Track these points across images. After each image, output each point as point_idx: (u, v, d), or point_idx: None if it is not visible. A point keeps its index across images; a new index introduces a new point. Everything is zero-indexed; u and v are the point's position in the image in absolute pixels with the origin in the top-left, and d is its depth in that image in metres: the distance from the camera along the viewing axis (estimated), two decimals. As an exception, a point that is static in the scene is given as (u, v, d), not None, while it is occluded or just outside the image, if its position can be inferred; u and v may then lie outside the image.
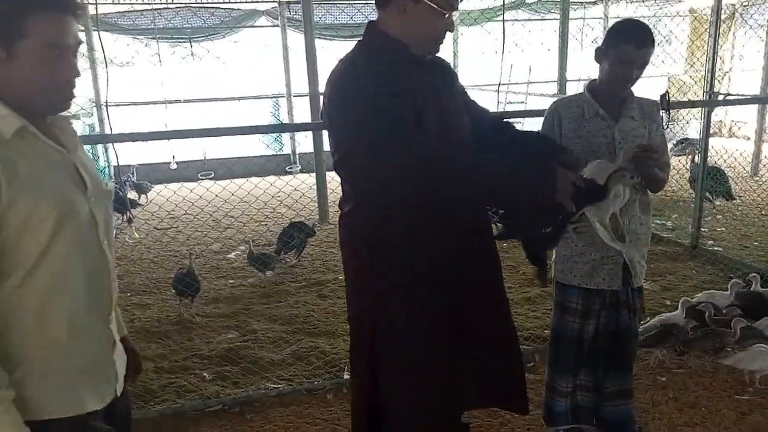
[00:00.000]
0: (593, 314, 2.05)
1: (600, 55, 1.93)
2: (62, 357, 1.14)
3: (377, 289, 1.62)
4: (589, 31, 9.99)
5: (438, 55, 1.63)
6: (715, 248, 4.64)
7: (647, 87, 2.11)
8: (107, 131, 8.31)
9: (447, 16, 1.48)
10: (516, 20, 9.80)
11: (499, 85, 4.78)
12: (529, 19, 9.72)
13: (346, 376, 2.84)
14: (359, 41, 1.56)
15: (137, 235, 5.58)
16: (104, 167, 8.44)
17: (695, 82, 7.93)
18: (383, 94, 1.41)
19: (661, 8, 9.47)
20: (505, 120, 1.91)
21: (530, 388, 2.09)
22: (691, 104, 3.12)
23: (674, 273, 4.15)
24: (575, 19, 9.78)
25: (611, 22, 10.03)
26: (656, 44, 1.89)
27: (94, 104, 8.33)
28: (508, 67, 10.02)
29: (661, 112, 2.10)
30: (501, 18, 9.34)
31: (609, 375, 2.13)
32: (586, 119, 1.96)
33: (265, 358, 3.13)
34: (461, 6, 8.91)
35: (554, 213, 1.55)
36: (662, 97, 2.81)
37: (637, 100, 1.99)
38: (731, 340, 2.69)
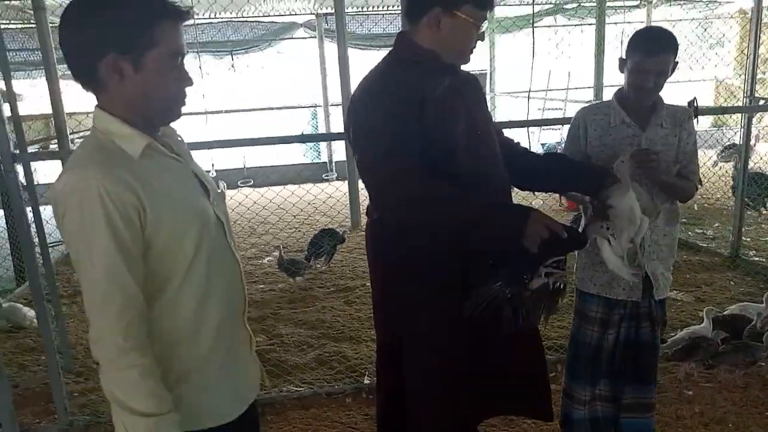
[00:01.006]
0: (613, 324, 2.02)
1: (621, 64, 1.91)
2: (213, 367, 1.14)
3: (403, 294, 1.64)
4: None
5: (466, 68, 1.65)
6: (757, 259, 4.44)
7: (694, 91, 2.06)
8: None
9: (479, 27, 1.49)
10: (552, 26, 9.70)
11: (529, 92, 4.71)
12: (566, 25, 9.57)
13: (367, 381, 2.88)
14: (391, 51, 1.57)
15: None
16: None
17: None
18: (410, 116, 1.43)
19: (712, 10, 9.16)
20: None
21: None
22: (722, 110, 3.02)
23: (711, 284, 4.01)
24: (615, 23, 9.60)
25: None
26: (677, 50, 1.83)
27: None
28: (546, 73, 9.92)
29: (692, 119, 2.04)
30: (539, 24, 9.26)
31: (629, 387, 2.09)
32: (611, 127, 1.93)
33: (289, 362, 3.20)
34: (499, 13, 8.96)
35: (525, 261, 1.45)
36: (690, 103, 2.75)
37: (667, 107, 1.94)
38: (764, 354, 2.58)
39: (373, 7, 8.21)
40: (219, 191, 1.23)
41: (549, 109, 9.88)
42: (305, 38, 9.30)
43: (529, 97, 4.70)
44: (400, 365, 1.68)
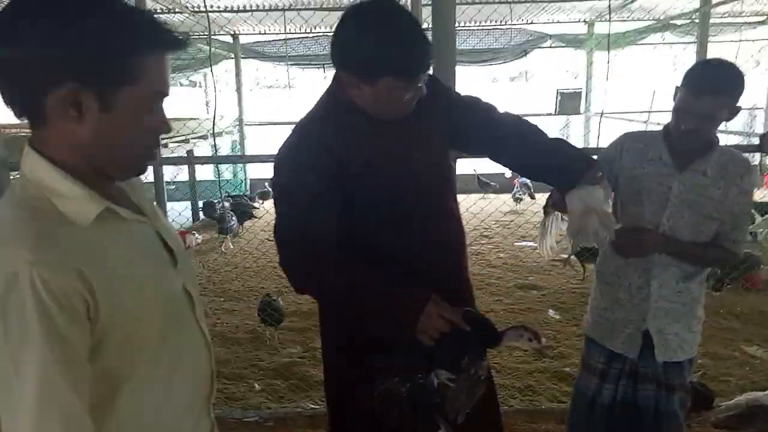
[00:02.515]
0: (611, 378, 1.82)
1: (675, 93, 1.65)
2: None
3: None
4: (753, 54, 8.84)
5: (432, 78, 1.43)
6: None
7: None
8: (246, 149, 9.24)
9: (411, 88, 1.30)
10: (660, 43, 9.03)
11: (602, 114, 4.45)
12: (675, 42, 8.86)
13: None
14: (325, 92, 1.42)
15: (231, 246, 6.09)
16: (242, 182, 9.35)
17: None
18: (322, 183, 1.31)
19: None
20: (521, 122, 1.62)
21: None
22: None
23: (802, 340, 3.48)
24: (739, 41, 8.73)
25: (780, 44, 8.82)
26: (736, 94, 1.54)
27: (237, 123, 9.28)
28: (651, 93, 9.25)
29: (755, 172, 1.75)
30: (643, 42, 8.67)
31: None
32: (647, 160, 1.69)
33: (314, 377, 3.20)
34: (598, 29, 8.50)
35: (421, 355, 1.28)
36: (763, 138, 2.41)
37: (722, 153, 1.65)
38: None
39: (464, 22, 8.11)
40: (194, 244, 1.07)
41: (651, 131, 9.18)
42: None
43: (602, 118, 4.43)
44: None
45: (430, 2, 2.20)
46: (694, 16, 7.77)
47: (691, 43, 8.50)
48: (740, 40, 8.15)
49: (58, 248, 0.75)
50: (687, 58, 8.59)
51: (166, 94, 0.86)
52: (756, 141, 2.37)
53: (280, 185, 1.39)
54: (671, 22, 8.04)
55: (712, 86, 1.53)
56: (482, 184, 8.10)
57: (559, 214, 1.66)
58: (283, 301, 4.14)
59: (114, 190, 0.89)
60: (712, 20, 7.81)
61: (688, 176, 1.65)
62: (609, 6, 4.58)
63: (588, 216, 1.47)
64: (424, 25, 1.71)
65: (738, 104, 1.58)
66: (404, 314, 1.24)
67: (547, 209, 1.70)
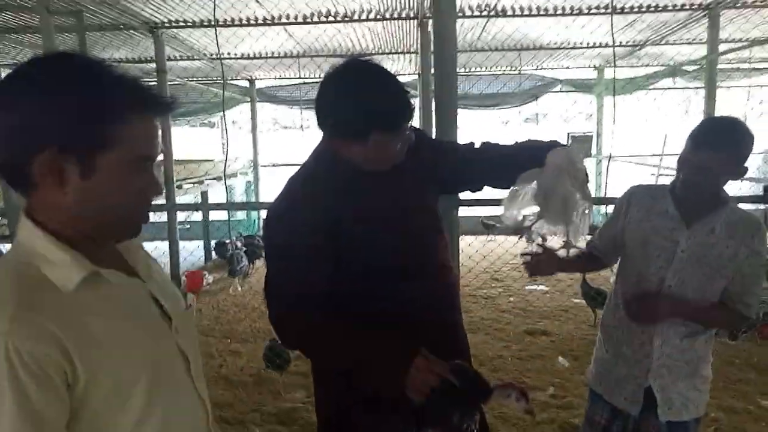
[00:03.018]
0: None
1: None
2: None
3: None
4: (763, 99, 8.87)
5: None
6: None
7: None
8: (260, 190, 9.38)
9: (399, 141, 1.33)
10: (671, 88, 9.10)
11: (610, 158, 4.48)
12: (685, 87, 8.93)
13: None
14: (318, 147, 1.44)
15: (240, 288, 6.10)
16: (254, 221, 9.45)
17: None
18: (317, 245, 1.32)
19: None
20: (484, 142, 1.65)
21: None
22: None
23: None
24: (749, 86, 8.77)
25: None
26: (736, 150, 1.53)
27: (252, 165, 9.46)
28: (662, 137, 9.27)
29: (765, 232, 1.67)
30: (649, 87, 8.75)
31: None
32: (654, 213, 1.69)
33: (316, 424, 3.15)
34: (608, 74, 8.61)
35: (407, 412, 1.25)
36: (767, 189, 2.40)
37: (731, 211, 1.62)
38: None
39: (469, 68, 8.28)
40: (189, 307, 1.03)
41: (663, 174, 9.16)
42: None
43: (609, 161, 4.46)
44: None
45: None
46: (702, 62, 7.88)
47: (701, 87, 8.57)
48: (750, 86, 8.19)
49: (37, 316, 0.74)
50: (698, 102, 8.67)
51: (153, 157, 0.86)
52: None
53: (272, 242, 1.39)
54: (680, 68, 8.14)
55: (712, 141, 1.54)
56: (487, 227, 8.10)
57: (533, 187, 1.53)
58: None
59: (106, 253, 0.88)
60: (721, 66, 7.91)
61: (696, 233, 1.61)
62: (614, 52, 4.63)
63: (560, 175, 1.41)
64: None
65: (744, 165, 1.56)
66: (392, 369, 1.23)
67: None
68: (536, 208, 1.51)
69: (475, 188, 1.69)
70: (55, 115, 0.76)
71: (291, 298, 1.33)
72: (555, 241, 1.64)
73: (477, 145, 1.61)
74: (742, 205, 1.73)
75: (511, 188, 1.51)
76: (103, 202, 0.81)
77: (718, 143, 1.53)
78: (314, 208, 1.33)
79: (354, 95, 1.27)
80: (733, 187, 1.73)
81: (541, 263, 1.69)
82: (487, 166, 1.58)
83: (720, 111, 5.82)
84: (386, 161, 1.37)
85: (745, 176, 1.63)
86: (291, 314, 1.35)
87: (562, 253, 1.69)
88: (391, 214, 1.40)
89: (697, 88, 8.49)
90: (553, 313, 5.00)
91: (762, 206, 2.31)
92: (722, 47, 5.89)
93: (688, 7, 5.03)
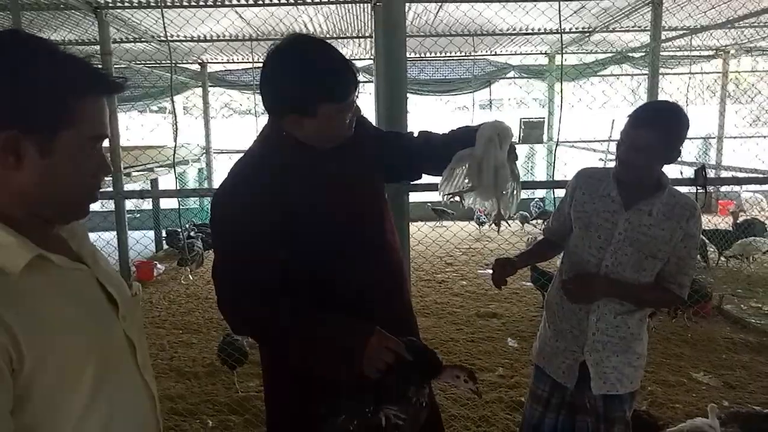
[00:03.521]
0: (553, 408, 1.86)
1: None
2: None
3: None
4: (703, 87, 9.24)
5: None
6: (812, 343, 3.93)
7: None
8: (214, 178, 9.19)
9: (349, 110, 1.34)
10: (619, 75, 9.37)
11: (557, 143, 4.60)
12: (634, 74, 9.21)
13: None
14: (263, 130, 1.43)
15: (191, 278, 6.00)
16: (207, 210, 9.26)
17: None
18: (267, 224, 1.31)
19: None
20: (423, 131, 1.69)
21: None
22: (736, 181, 2.70)
23: (749, 368, 3.57)
24: (689, 74, 9.12)
25: (730, 77, 9.25)
26: (670, 131, 1.60)
27: (204, 152, 9.24)
28: (610, 122, 9.55)
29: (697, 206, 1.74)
30: (599, 74, 8.98)
31: None
32: (598, 196, 1.75)
33: (269, 412, 3.15)
34: (558, 60, 8.78)
35: (369, 389, 1.26)
36: (698, 172, 2.51)
37: (669, 195, 1.70)
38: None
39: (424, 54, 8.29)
40: (134, 295, 1.02)
41: (611, 159, 9.46)
42: (363, 82, 9.53)
43: (557, 146, 4.58)
44: None
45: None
46: (646, 50, 8.14)
47: (647, 75, 8.86)
48: (691, 73, 8.52)
49: None
50: (645, 89, 8.96)
51: (105, 136, 0.87)
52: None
53: (220, 226, 1.38)
54: (628, 54, 8.38)
55: (648, 120, 1.61)
56: (438, 213, 8.20)
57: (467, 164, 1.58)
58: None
59: (53, 239, 0.87)
60: (666, 53, 8.19)
61: (634, 215, 1.69)
62: (561, 39, 4.73)
63: (490, 146, 1.47)
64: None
65: (679, 148, 1.63)
66: (348, 348, 1.25)
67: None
68: (469, 185, 1.56)
69: (415, 177, 1.71)
70: (13, 97, 0.76)
71: (239, 282, 1.32)
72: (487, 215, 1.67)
73: (416, 135, 1.64)
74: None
75: (448, 167, 1.55)
76: (58, 181, 0.81)
77: (654, 122, 1.60)
78: (262, 191, 1.32)
79: (300, 69, 1.26)
80: (674, 171, 1.81)
81: (499, 273, 1.78)
82: (426, 154, 1.61)
83: (663, 97, 6.03)
84: (336, 135, 1.37)
85: (678, 160, 1.70)
86: (239, 299, 1.33)
87: (493, 227, 1.77)
88: (337, 196, 1.40)
89: (645, 74, 8.76)
90: (503, 296, 5.12)
91: (695, 189, 2.40)
92: (666, 34, 6.09)
93: (632, -5, 5.18)
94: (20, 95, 0.76)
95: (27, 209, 0.81)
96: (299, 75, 1.26)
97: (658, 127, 1.59)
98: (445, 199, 1.62)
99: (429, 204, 8.19)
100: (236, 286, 1.34)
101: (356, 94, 1.34)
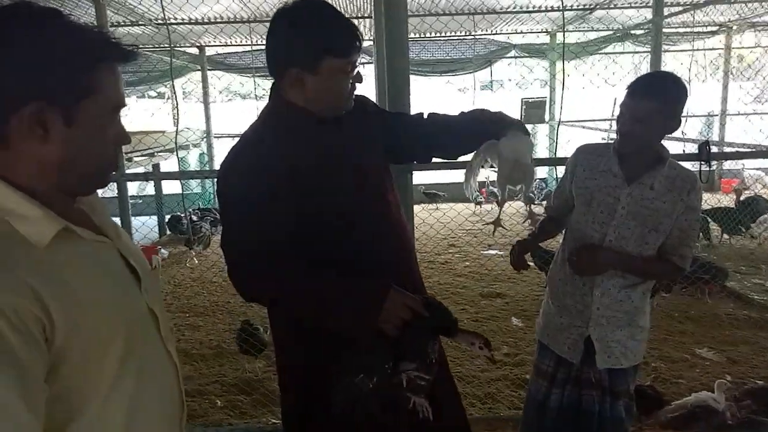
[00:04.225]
0: (558, 383, 1.87)
1: None
2: None
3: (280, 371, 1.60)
4: (706, 63, 9.15)
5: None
6: (814, 317, 3.96)
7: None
8: (215, 162, 9.17)
9: (350, 72, 1.35)
10: (621, 53, 9.29)
11: (559, 123, 4.58)
12: (635, 52, 9.13)
13: None
14: (265, 107, 1.45)
15: (196, 261, 6.03)
16: (210, 194, 9.28)
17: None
18: (272, 190, 1.31)
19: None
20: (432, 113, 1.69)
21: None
22: (739, 155, 2.71)
23: (751, 343, 3.60)
24: (692, 50, 9.03)
25: (733, 53, 9.16)
26: (670, 102, 1.60)
27: (205, 136, 9.21)
28: (612, 100, 9.49)
29: (699, 179, 1.76)
30: (601, 51, 8.90)
31: None
32: (599, 171, 1.75)
33: (277, 391, 3.18)
34: (560, 39, 8.70)
35: (387, 346, 1.26)
36: (701, 147, 2.51)
37: (670, 167, 1.70)
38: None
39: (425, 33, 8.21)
40: (155, 267, 1.05)
41: (613, 138, 9.42)
42: (364, 63, 9.47)
43: (559, 126, 4.56)
44: None
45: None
46: (649, 26, 8.05)
47: (649, 52, 8.77)
48: (694, 50, 8.43)
49: (13, 270, 0.74)
50: (646, 66, 8.89)
51: (123, 105, 0.88)
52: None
53: (230, 193, 1.37)
54: (630, 32, 8.30)
55: (647, 89, 1.61)
56: (430, 196, 8.20)
57: (486, 158, 1.63)
58: (250, 312, 4.13)
59: (75, 212, 0.89)
60: (668, 30, 8.10)
61: (636, 189, 1.69)
62: (563, 16, 4.68)
63: (517, 167, 1.51)
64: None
65: (679, 117, 1.64)
66: (366, 304, 1.26)
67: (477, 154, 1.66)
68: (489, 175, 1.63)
69: (425, 159, 1.71)
70: (34, 70, 0.77)
71: (250, 244, 1.32)
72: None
73: (425, 116, 1.63)
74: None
75: (468, 165, 1.61)
76: (83, 150, 0.83)
77: (653, 91, 1.60)
78: (268, 151, 1.34)
79: (306, 24, 1.31)
80: (677, 147, 1.81)
81: (518, 256, 1.90)
82: (433, 136, 1.60)
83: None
84: (337, 98, 1.38)
85: (682, 136, 1.70)
86: (250, 261, 1.33)
87: (526, 224, 1.82)
88: (339, 166, 1.41)
89: (646, 52, 8.68)
90: (506, 275, 5.15)
91: (698, 165, 2.40)
92: (668, 10, 6.02)
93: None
94: (41, 66, 0.77)
95: (53, 182, 0.83)
96: (306, 29, 1.30)
97: (656, 96, 1.60)
98: (473, 194, 1.70)
99: (421, 187, 8.20)
100: (246, 246, 1.33)
101: (359, 57, 1.36)
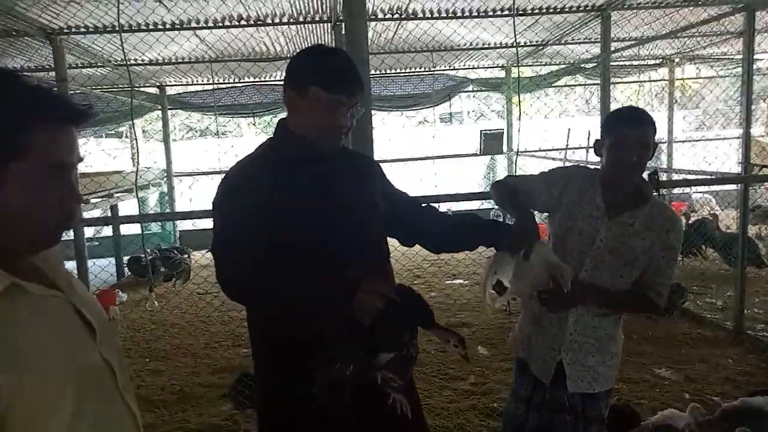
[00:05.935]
0: (534, 407, 1.89)
1: (598, 146, 1.78)
2: None
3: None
4: (652, 94, 9.65)
5: (363, 154, 1.69)
6: (764, 334, 4.12)
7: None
8: (176, 201, 9.05)
9: (339, 108, 1.44)
10: (572, 85, 9.69)
11: (518, 153, 4.75)
12: (585, 84, 9.54)
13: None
14: (274, 132, 1.58)
15: (157, 304, 5.88)
16: (170, 233, 9.12)
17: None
18: (255, 203, 1.41)
19: (729, 69, 8.95)
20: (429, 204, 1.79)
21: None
22: (687, 183, 2.86)
23: (707, 361, 3.72)
24: (639, 82, 9.51)
25: (677, 84, 9.68)
26: (655, 126, 1.70)
27: (165, 175, 9.09)
28: (566, 131, 9.86)
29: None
30: (556, 84, 9.28)
31: None
32: (585, 200, 1.77)
33: (243, 435, 3.12)
34: (515, 73, 9.05)
35: (361, 335, 1.30)
36: (650, 176, 2.63)
37: (653, 207, 1.74)
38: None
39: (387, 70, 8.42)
40: (111, 319, 1.03)
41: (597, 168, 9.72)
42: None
43: (517, 156, 4.72)
44: None
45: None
46: (599, 60, 8.45)
47: (597, 84, 9.21)
48: (641, 81, 8.88)
49: None
50: (597, 98, 9.31)
51: (70, 165, 0.85)
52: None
53: (221, 197, 1.48)
54: (581, 65, 8.69)
55: (642, 119, 1.69)
56: None
57: (498, 262, 1.74)
58: (214, 354, 4.03)
59: (26, 265, 0.87)
60: (617, 63, 8.53)
61: (615, 225, 1.73)
62: (516, 52, 4.91)
63: (546, 271, 1.63)
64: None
65: (655, 140, 1.71)
66: (338, 295, 1.31)
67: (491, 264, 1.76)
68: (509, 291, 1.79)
69: (407, 243, 1.76)
70: None
71: (237, 245, 1.40)
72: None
73: (423, 206, 1.74)
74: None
75: (482, 276, 1.78)
76: (16, 212, 0.81)
77: (648, 120, 1.69)
78: (259, 174, 1.45)
79: (312, 55, 1.52)
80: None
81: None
82: (426, 226, 1.70)
83: (615, 106, 6.25)
84: (323, 130, 1.46)
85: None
86: (234, 266, 1.40)
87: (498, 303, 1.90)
88: (324, 196, 1.48)
89: (595, 84, 9.08)
90: (471, 305, 5.20)
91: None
92: (615, 45, 6.36)
93: (582, 9, 5.40)
94: None
95: None
96: (306, 58, 1.51)
97: (650, 123, 1.69)
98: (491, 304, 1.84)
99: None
100: (228, 252, 1.42)
101: (350, 100, 1.45)
